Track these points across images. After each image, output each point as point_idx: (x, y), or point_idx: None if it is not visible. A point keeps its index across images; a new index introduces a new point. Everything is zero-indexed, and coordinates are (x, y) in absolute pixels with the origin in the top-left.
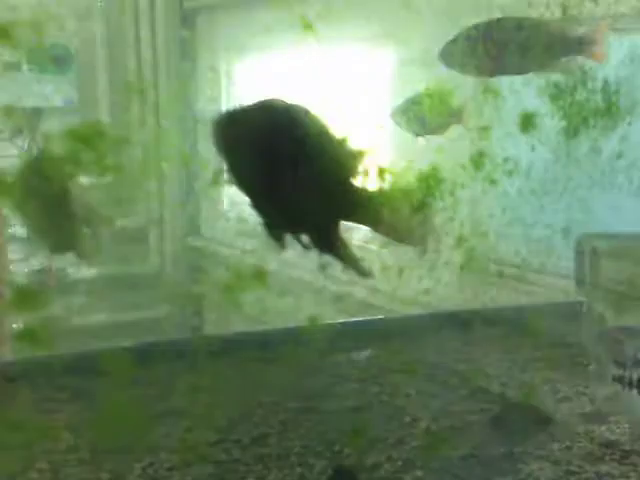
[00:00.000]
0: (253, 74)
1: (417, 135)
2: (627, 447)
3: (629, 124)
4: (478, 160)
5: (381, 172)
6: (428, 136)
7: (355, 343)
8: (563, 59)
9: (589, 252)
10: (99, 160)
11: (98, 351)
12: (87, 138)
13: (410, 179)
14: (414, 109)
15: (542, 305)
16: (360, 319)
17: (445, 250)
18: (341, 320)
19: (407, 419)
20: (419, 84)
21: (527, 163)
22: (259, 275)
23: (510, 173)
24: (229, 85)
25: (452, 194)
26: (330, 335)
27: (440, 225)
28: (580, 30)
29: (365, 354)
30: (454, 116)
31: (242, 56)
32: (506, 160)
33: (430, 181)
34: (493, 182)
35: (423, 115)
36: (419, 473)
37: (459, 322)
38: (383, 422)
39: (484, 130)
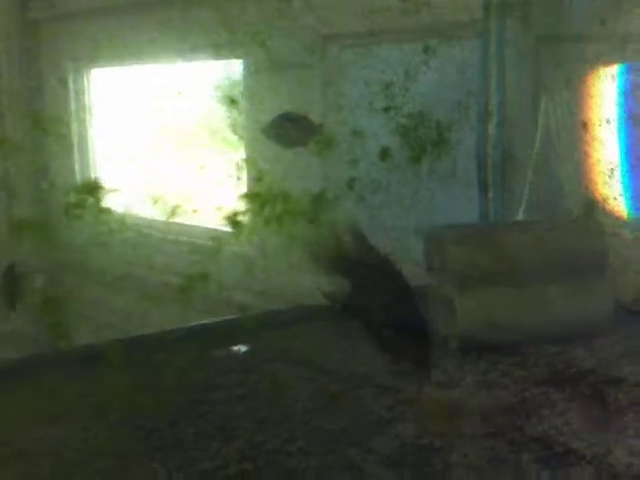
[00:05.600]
0: (104, 83)
1: (285, 147)
2: (474, 405)
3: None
4: (351, 184)
5: None
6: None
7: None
8: None
9: (436, 241)
10: None
11: None
12: None
13: None
14: (283, 125)
15: None
16: (229, 317)
17: None
18: (212, 320)
19: (288, 401)
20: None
21: (386, 183)
22: None
23: (375, 191)
24: (77, 95)
25: None
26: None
27: None
28: None
29: (243, 348)
30: (316, 130)
31: (91, 66)
32: (372, 181)
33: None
34: (362, 198)
35: (290, 129)
36: (301, 443)
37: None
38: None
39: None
